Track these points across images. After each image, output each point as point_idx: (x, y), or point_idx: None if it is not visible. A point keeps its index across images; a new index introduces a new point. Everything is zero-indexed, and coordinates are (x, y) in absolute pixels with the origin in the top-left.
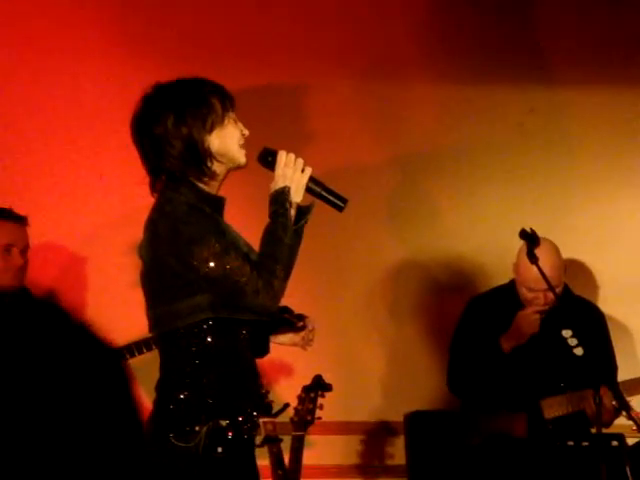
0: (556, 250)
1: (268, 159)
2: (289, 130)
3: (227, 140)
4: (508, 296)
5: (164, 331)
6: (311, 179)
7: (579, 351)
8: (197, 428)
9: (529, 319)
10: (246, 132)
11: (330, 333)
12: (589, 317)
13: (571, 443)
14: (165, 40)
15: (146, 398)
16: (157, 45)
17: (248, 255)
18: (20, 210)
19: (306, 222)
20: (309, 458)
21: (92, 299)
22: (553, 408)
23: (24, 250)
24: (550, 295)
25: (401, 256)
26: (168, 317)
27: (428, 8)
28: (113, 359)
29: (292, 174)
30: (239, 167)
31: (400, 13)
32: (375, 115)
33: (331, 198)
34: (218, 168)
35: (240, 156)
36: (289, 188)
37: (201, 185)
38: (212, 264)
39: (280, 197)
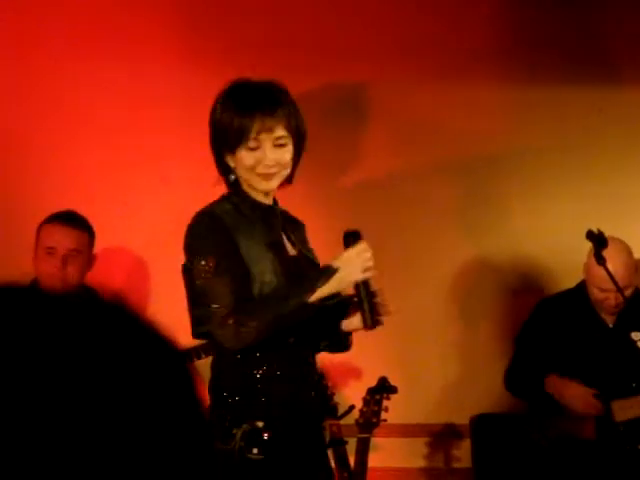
0: (627, 249)
1: (350, 239)
2: (351, 133)
3: (241, 166)
4: (577, 299)
5: (194, 335)
6: (365, 283)
7: None
8: (234, 430)
9: (586, 400)
10: (268, 162)
11: (395, 335)
12: None
13: None
14: (228, 41)
15: None
16: (221, 45)
17: (242, 285)
18: (84, 215)
19: (317, 307)
20: (374, 460)
21: (155, 302)
22: (624, 410)
23: (69, 254)
24: (621, 296)
25: (470, 258)
26: (193, 321)
27: (494, 8)
28: (180, 360)
29: (354, 265)
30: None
31: (465, 14)
32: (442, 116)
33: (367, 311)
34: (245, 185)
35: (257, 184)
36: (337, 273)
37: (253, 193)
38: (202, 280)
39: (323, 272)
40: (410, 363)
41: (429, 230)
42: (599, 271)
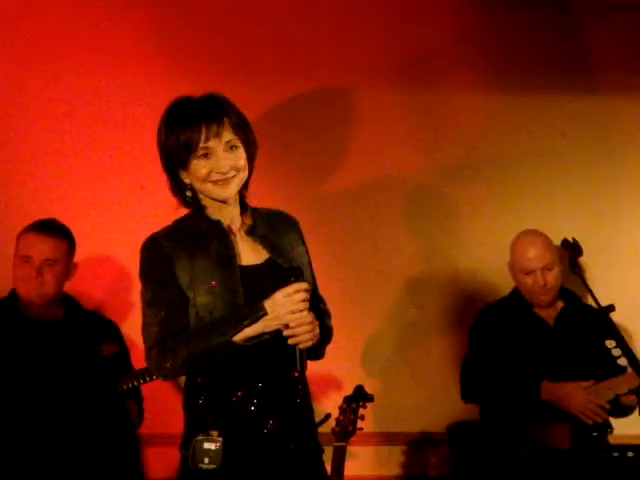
0: (542, 233)
1: (290, 278)
2: (329, 138)
3: (195, 178)
4: (516, 303)
5: None
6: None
7: (623, 362)
8: (193, 439)
9: (590, 408)
10: (222, 169)
11: (372, 344)
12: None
13: (616, 454)
14: (205, 48)
15: None
16: (199, 54)
17: (171, 318)
18: (68, 223)
19: (242, 346)
20: (351, 469)
21: (139, 312)
22: (613, 389)
23: (45, 263)
24: (548, 276)
25: (445, 266)
26: None
27: (472, 16)
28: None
29: (279, 307)
30: (221, 201)
31: (443, 20)
32: (416, 122)
33: (297, 355)
34: (204, 200)
35: (215, 192)
36: (264, 315)
37: (208, 209)
38: (142, 306)
39: (251, 312)
40: (387, 372)
41: (406, 234)
42: (520, 253)
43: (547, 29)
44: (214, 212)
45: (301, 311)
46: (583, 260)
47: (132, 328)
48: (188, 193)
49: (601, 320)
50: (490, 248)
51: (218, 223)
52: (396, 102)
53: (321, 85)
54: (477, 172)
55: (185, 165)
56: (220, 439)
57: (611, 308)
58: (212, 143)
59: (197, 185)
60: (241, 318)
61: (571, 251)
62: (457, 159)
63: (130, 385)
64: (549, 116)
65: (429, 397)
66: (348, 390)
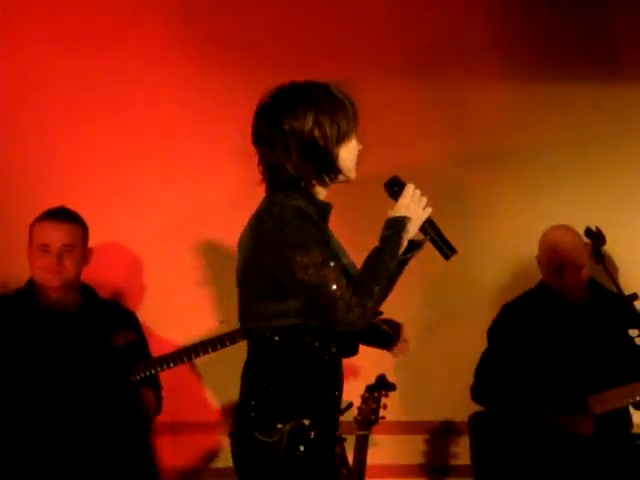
0: (573, 230)
1: (394, 188)
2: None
3: (350, 154)
4: (537, 298)
5: (252, 328)
6: (428, 220)
7: None
8: (280, 425)
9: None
10: (360, 147)
11: None
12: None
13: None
14: (234, 44)
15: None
16: (224, 47)
17: (347, 269)
18: (83, 212)
19: (411, 257)
20: (373, 457)
21: (156, 300)
22: (602, 404)
23: (63, 249)
24: (577, 274)
25: (466, 255)
26: (257, 316)
27: (493, 5)
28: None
29: (415, 208)
30: (347, 181)
31: (465, 8)
32: (439, 113)
33: (441, 244)
34: (341, 177)
35: (354, 172)
36: (409, 219)
37: (312, 190)
38: (311, 272)
39: (397, 224)
40: (409, 361)
41: None
42: (547, 249)
43: (570, 18)
44: (321, 195)
45: (426, 204)
46: (606, 249)
47: (147, 316)
48: (331, 173)
49: (625, 309)
50: (513, 238)
51: (330, 205)
52: (416, 93)
53: (339, 76)
54: (499, 163)
55: (350, 135)
56: (314, 427)
57: (635, 296)
58: None
59: (349, 163)
60: (393, 235)
61: (595, 240)
62: (477, 150)
63: (147, 373)
64: (573, 106)
65: (452, 386)
66: (370, 379)
